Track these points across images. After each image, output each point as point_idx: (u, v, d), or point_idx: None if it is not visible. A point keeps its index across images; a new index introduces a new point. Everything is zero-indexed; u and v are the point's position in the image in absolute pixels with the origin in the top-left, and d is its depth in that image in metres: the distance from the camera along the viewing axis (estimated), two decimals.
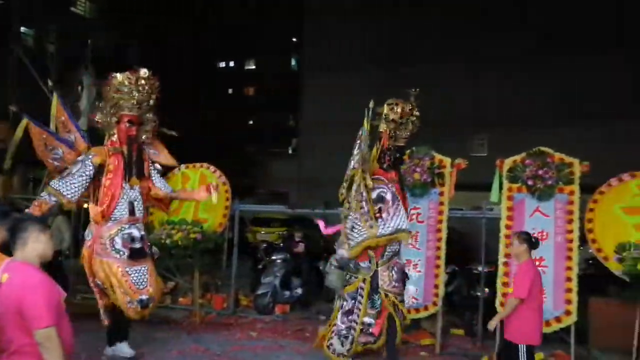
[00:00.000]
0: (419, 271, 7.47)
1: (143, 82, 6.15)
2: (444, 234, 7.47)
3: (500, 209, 7.37)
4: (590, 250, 7.16)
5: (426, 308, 7.34)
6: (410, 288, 7.40)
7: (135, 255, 6.13)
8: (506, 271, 7.01)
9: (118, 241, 6.08)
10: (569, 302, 6.66)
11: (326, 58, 27.04)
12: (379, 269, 5.93)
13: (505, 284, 6.96)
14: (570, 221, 6.88)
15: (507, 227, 7.12)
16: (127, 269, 6.06)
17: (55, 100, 6.99)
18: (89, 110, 12.77)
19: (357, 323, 5.86)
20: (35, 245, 3.07)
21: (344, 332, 5.89)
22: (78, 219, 9.32)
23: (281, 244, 11.24)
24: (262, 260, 10.48)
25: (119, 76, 6.13)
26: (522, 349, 5.02)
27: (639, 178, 6.86)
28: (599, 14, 20.34)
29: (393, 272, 5.96)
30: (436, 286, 7.33)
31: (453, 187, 7.46)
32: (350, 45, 26.19)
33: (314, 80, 28.09)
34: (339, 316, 6.00)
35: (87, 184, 6.17)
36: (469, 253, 10.31)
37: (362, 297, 5.88)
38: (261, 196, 24.42)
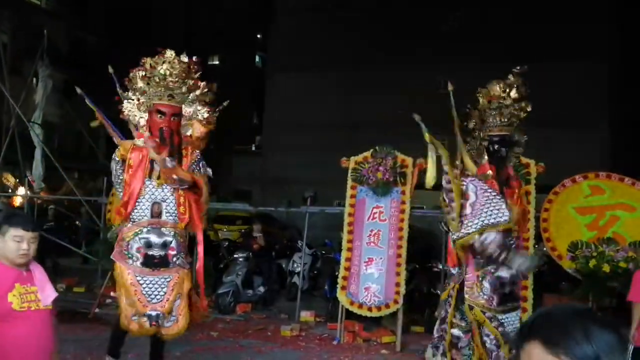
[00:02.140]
0: (381, 269, 7.53)
1: (171, 65, 5.40)
2: (405, 233, 7.56)
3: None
4: (544, 249, 7.34)
5: (387, 306, 7.40)
6: (372, 286, 7.49)
7: (151, 264, 5.24)
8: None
9: (133, 245, 5.27)
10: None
11: (291, 56, 26.99)
12: (467, 276, 4.97)
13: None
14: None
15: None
16: (139, 278, 5.22)
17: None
18: (44, 103, 12.50)
19: (446, 333, 5.21)
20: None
21: (436, 341, 5.33)
22: None
23: (241, 241, 11.19)
24: (224, 258, 10.41)
25: (148, 60, 5.44)
26: None
27: (591, 179, 7.08)
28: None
29: (484, 283, 4.84)
30: (397, 284, 7.40)
31: (414, 186, 7.60)
32: (316, 44, 26.19)
33: (279, 78, 28.04)
34: (436, 324, 5.40)
35: (121, 181, 5.45)
36: (429, 251, 10.47)
37: (450, 306, 5.18)
38: (224, 194, 24.22)
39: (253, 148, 37.07)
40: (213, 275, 10.42)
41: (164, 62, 5.35)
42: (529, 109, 5.06)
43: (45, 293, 3.14)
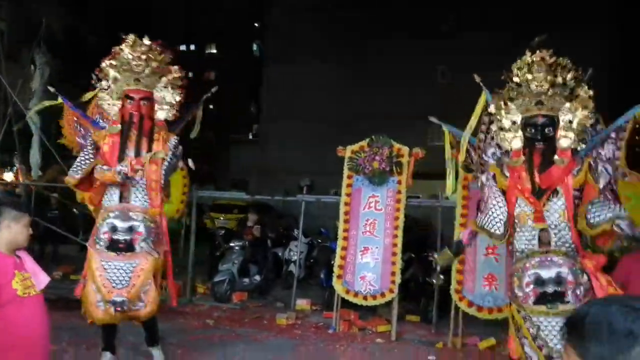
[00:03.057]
0: (377, 258, 7.55)
1: (133, 48, 5.38)
2: (401, 222, 7.57)
3: (455, 197, 7.51)
4: None
5: (383, 295, 7.42)
6: (368, 275, 7.51)
7: (116, 248, 5.19)
8: (461, 259, 7.14)
9: (101, 230, 5.27)
10: None
11: (288, 47, 26.90)
12: (511, 269, 4.57)
13: (460, 272, 7.11)
14: None
15: (463, 215, 7.27)
16: (104, 263, 5.16)
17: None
18: (42, 91, 12.42)
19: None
20: (5, 232, 3.02)
21: None
22: None
23: (237, 230, 11.20)
24: (220, 247, 10.42)
25: (116, 48, 5.45)
26: None
27: None
28: None
29: (522, 279, 4.35)
30: (393, 273, 7.42)
31: (411, 176, 7.61)
32: (313, 34, 26.10)
33: (276, 68, 27.95)
34: None
35: (88, 162, 5.48)
36: (424, 240, 10.50)
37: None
38: (221, 183, 24.23)
39: (250, 137, 37.02)
40: (209, 263, 10.46)
41: (127, 47, 5.37)
42: (565, 82, 4.38)
43: (39, 278, 3.24)
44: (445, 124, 5.68)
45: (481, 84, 5.10)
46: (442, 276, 7.91)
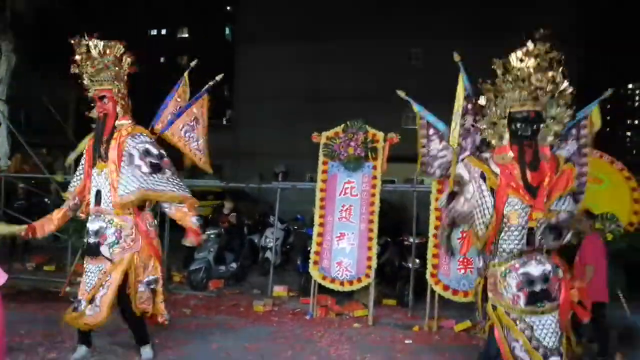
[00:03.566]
0: (352, 244, 7.57)
1: (81, 51, 5.29)
2: (376, 207, 7.59)
3: (430, 182, 7.56)
4: None
5: (359, 280, 7.46)
6: (344, 260, 7.54)
7: (89, 251, 5.30)
8: (436, 243, 7.20)
9: (87, 234, 5.37)
10: None
11: (261, 29, 26.64)
12: (491, 270, 4.38)
13: (435, 256, 7.18)
14: None
15: (437, 200, 7.31)
16: (88, 266, 5.30)
17: None
18: (8, 79, 12.14)
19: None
20: None
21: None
22: None
23: (212, 217, 11.13)
24: None
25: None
26: None
27: None
28: None
29: (508, 279, 4.25)
30: (369, 258, 7.45)
31: (386, 161, 7.63)
32: (286, 16, 25.88)
33: (249, 51, 27.69)
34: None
35: (79, 177, 5.52)
36: (400, 225, 10.58)
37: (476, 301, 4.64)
38: (194, 169, 24.03)
39: (224, 122, 36.69)
40: (184, 251, 10.38)
41: (88, 49, 5.30)
42: (558, 79, 4.28)
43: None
44: (413, 101, 5.55)
45: (460, 64, 4.98)
46: (417, 260, 8.00)
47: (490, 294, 4.36)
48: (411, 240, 8.30)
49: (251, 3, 27.99)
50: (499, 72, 4.33)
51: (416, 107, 6.13)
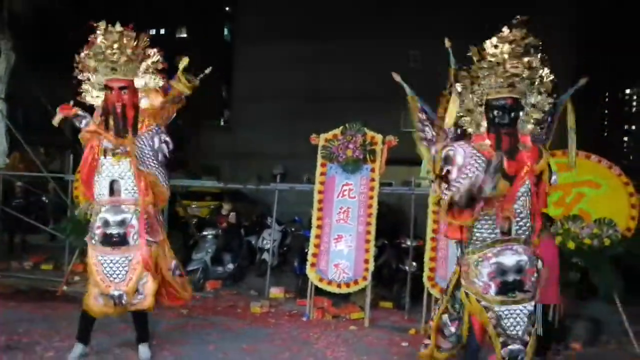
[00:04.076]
0: (350, 246, 7.58)
1: (105, 36, 5.16)
2: (374, 210, 7.60)
3: (428, 184, 7.57)
4: None
5: (356, 282, 7.47)
6: (342, 263, 7.55)
7: (110, 242, 5.19)
8: (433, 246, 7.23)
9: (94, 225, 5.28)
10: None
11: (260, 29, 26.61)
12: (465, 258, 4.37)
13: (432, 259, 7.20)
14: None
15: (435, 203, 7.32)
16: (100, 257, 5.21)
17: None
18: (7, 77, 12.09)
19: (436, 315, 4.73)
20: None
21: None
22: None
23: (210, 218, 11.14)
24: (193, 235, 10.35)
25: (92, 37, 5.23)
26: None
27: (558, 157, 7.16)
28: None
29: (480, 268, 4.23)
30: (366, 261, 7.46)
31: (384, 163, 7.64)
32: (284, 16, 25.86)
33: (248, 51, 27.64)
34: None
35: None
36: (397, 227, 10.59)
37: (448, 287, 4.67)
38: (192, 169, 23.99)
39: (222, 123, 36.65)
40: (182, 252, 10.38)
41: (99, 35, 5.16)
42: (536, 65, 4.18)
43: None
44: (410, 89, 5.46)
45: (449, 49, 4.86)
46: (414, 263, 8.01)
47: (463, 282, 4.37)
48: (408, 242, 8.31)
49: (250, 3, 27.94)
50: (474, 58, 4.27)
51: (409, 92, 5.90)
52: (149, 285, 5.28)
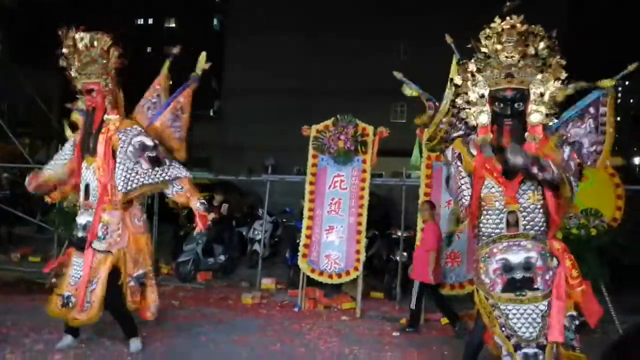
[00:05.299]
0: (341, 237, 7.61)
1: (72, 42, 5.20)
2: (365, 201, 7.63)
3: (418, 175, 7.62)
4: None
5: (348, 273, 7.50)
6: (333, 253, 7.58)
7: (78, 245, 5.30)
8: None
9: (76, 228, 5.40)
10: None
11: (251, 21, 26.50)
12: (476, 254, 4.32)
13: None
14: None
15: (426, 194, 7.36)
16: (74, 259, 5.32)
17: None
18: None
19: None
20: None
21: None
22: None
23: None
24: (184, 226, 10.32)
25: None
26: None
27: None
28: None
29: (487, 264, 4.13)
30: (357, 251, 7.49)
31: (375, 154, 7.65)
32: (275, 8, 25.75)
33: (238, 42, 27.53)
34: None
35: (62, 163, 5.54)
36: (388, 218, 10.64)
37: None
38: (183, 161, 23.92)
39: (211, 114, 36.51)
40: (173, 243, 10.36)
41: (74, 42, 5.22)
42: (533, 52, 4.05)
43: None
44: (408, 81, 5.42)
45: (452, 46, 4.84)
46: (405, 253, 8.05)
47: (474, 278, 4.31)
48: (399, 233, 8.35)
49: None
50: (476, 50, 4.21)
51: (414, 87, 5.74)
52: (96, 293, 5.20)
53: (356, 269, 7.45)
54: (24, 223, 11.89)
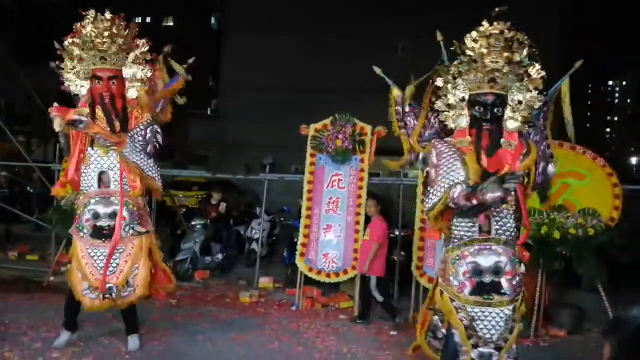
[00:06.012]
0: (339, 236, 7.62)
1: (95, 25, 5.03)
2: (363, 200, 7.63)
3: (415, 175, 7.63)
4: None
5: (345, 272, 7.51)
6: (331, 252, 7.59)
7: (100, 235, 5.12)
8: (421, 236, 7.28)
9: (83, 217, 5.18)
10: None
11: (249, 18, 26.45)
12: (444, 256, 4.31)
13: (420, 249, 7.25)
14: None
15: (423, 192, 7.36)
16: (89, 250, 5.13)
17: None
18: None
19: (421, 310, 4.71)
20: None
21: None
22: None
23: (198, 208, 11.11)
24: (181, 225, 10.33)
25: (78, 25, 5.11)
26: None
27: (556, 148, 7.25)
28: None
29: (457, 266, 4.11)
30: (355, 250, 7.50)
31: (373, 154, 7.66)
32: (273, 6, 25.71)
33: (236, 40, 27.48)
34: None
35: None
36: (386, 217, 10.62)
37: (435, 287, 4.49)
38: (180, 159, 23.89)
39: (209, 112, 36.47)
40: (170, 242, 10.37)
41: (88, 24, 5.04)
42: (518, 60, 4.04)
43: None
44: (392, 81, 5.44)
45: (441, 42, 4.79)
46: (402, 252, 8.07)
47: (440, 280, 4.27)
48: (397, 232, 8.36)
49: None
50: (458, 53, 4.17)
51: (391, 84, 5.71)
52: (140, 276, 5.24)
53: (354, 267, 7.45)
54: (21, 221, 11.87)
